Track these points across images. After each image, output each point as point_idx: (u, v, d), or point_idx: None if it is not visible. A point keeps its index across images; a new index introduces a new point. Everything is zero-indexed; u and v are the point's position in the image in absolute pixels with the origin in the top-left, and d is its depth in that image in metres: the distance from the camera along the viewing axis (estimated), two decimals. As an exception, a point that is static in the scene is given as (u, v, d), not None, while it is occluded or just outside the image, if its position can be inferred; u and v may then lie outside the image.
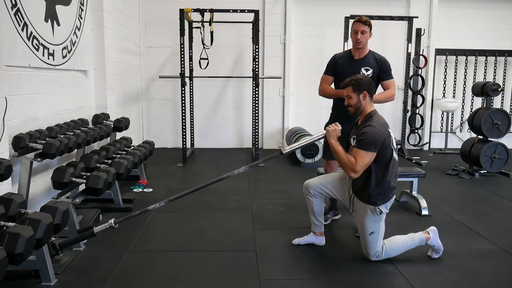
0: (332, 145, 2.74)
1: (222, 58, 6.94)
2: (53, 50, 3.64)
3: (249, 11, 5.75)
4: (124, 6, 5.84)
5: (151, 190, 4.51)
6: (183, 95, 5.80)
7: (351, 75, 3.00)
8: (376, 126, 2.64)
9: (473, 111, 5.89)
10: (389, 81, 3.33)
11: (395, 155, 2.73)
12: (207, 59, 5.97)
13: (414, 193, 3.93)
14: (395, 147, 2.76)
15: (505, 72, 7.24)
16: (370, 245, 2.75)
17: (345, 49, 6.46)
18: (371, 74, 3.23)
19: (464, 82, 7.26)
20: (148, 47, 6.95)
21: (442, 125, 7.38)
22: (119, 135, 4.77)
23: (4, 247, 1.95)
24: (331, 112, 3.53)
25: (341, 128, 2.81)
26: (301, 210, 3.37)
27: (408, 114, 7.09)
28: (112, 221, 2.58)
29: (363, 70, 3.23)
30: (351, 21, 6.37)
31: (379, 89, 3.34)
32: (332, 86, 3.42)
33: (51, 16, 3.59)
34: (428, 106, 7.31)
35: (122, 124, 4.58)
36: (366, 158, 2.59)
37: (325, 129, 2.95)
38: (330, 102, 3.62)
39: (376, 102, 3.05)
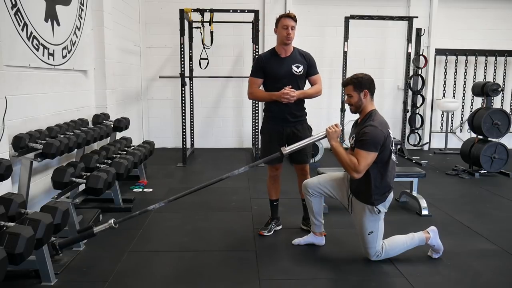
0: (334, 146, 2.73)
1: (222, 58, 6.94)
2: (53, 50, 3.64)
3: (249, 11, 5.75)
4: (124, 6, 5.84)
5: (151, 190, 4.51)
6: (183, 95, 5.80)
7: (283, 74, 2.98)
8: (378, 126, 2.62)
9: (473, 111, 5.89)
10: (316, 76, 3.24)
11: (393, 157, 2.73)
12: (207, 59, 5.97)
13: (414, 193, 3.93)
14: (394, 148, 2.75)
15: (505, 72, 7.24)
16: (370, 245, 2.75)
17: (345, 49, 6.49)
18: (302, 71, 3.15)
19: (464, 82, 7.26)
20: (148, 47, 6.95)
21: (442, 125, 7.38)
22: (119, 135, 4.77)
23: (4, 247, 1.95)
24: (264, 114, 3.33)
25: (341, 129, 2.80)
26: (301, 210, 3.37)
27: (408, 114, 7.09)
28: (112, 221, 2.57)
29: (294, 68, 3.11)
30: (351, 21, 6.45)
31: (307, 85, 3.25)
32: (262, 88, 3.26)
33: (51, 16, 3.59)
34: (428, 106, 7.31)
35: (122, 124, 4.58)
36: (368, 158, 2.59)
37: (325, 130, 2.93)
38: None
39: (306, 98, 3.10)
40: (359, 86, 2.72)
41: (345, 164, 2.65)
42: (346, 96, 2.81)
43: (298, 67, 3.13)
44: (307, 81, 3.25)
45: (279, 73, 3.08)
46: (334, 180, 2.96)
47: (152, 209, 2.73)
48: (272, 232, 3.29)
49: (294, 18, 3.10)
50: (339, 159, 2.69)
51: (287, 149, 2.83)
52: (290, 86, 3.03)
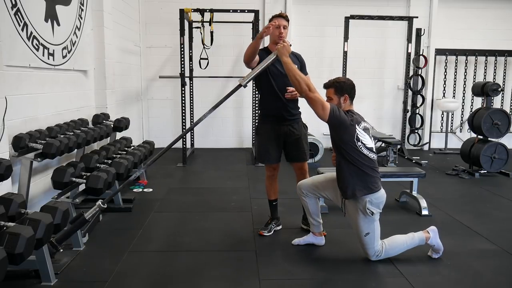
0: (286, 63, 2.73)
1: (222, 58, 6.94)
2: (53, 50, 3.64)
3: (249, 11, 5.75)
4: (124, 6, 5.84)
5: (151, 190, 4.51)
6: (183, 95, 5.80)
7: (278, 72, 2.97)
8: (351, 115, 2.67)
9: (473, 111, 5.89)
10: (307, 76, 3.17)
11: (364, 151, 2.67)
12: (207, 59, 5.97)
13: (414, 193, 3.93)
14: (366, 144, 2.68)
15: (505, 72, 7.24)
16: (368, 246, 2.75)
17: (345, 49, 6.48)
18: None
19: (464, 82, 7.26)
20: (148, 47, 6.95)
21: (442, 125, 7.38)
22: (119, 135, 4.77)
23: (4, 247, 1.95)
24: (260, 112, 3.33)
25: (290, 44, 2.78)
26: (301, 210, 3.37)
27: (408, 114, 7.09)
28: (99, 202, 2.53)
29: None
30: (351, 21, 6.44)
31: None
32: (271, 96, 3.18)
33: (51, 16, 3.59)
34: (428, 106, 7.31)
35: (122, 124, 4.58)
36: (323, 100, 2.62)
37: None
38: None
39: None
40: (340, 90, 2.74)
41: (298, 77, 2.66)
42: (326, 98, 2.79)
43: None
44: None
45: (275, 71, 3.08)
46: (328, 181, 2.95)
47: (133, 177, 2.65)
48: (272, 232, 3.29)
49: (286, 18, 3.11)
50: (292, 74, 2.70)
51: (245, 80, 2.79)
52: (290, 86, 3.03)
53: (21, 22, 3.12)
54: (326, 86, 2.81)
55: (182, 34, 5.61)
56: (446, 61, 7.19)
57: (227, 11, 5.72)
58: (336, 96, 2.74)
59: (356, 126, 2.66)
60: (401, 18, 6.66)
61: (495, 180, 5.15)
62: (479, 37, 7.22)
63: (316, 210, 3.01)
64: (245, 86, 2.82)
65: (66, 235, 2.60)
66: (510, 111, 7.27)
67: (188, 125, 6.60)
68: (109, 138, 4.47)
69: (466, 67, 7.20)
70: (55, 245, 2.49)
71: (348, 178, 2.68)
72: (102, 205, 2.52)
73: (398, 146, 5.93)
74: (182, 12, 5.57)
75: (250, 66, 3.09)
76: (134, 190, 4.49)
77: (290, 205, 3.88)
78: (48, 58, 3.56)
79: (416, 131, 7.33)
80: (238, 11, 5.73)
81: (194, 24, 6.08)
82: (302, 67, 3.22)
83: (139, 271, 2.67)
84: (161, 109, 7.15)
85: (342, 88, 2.73)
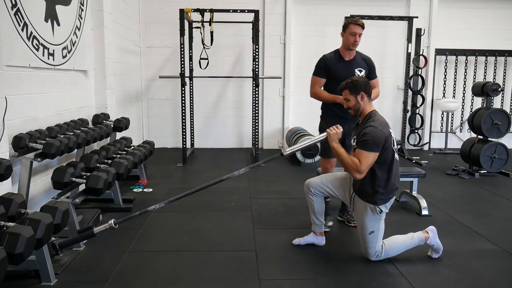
0: (334, 148, 2.75)
1: (222, 58, 6.94)
2: (53, 50, 3.64)
3: (249, 11, 5.75)
4: (124, 6, 5.84)
5: (151, 190, 4.51)
6: (183, 95, 5.80)
7: (346, 77, 3.02)
8: (378, 126, 2.64)
9: (473, 111, 5.88)
10: (376, 80, 3.39)
11: (396, 156, 2.74)
12: (207, 59, 5.97)
13: (414, 193, 3.93)
14: (396, 147, 2.75)
15: (505, 72, 7.24)
16: (370, 245, 2.75)
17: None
18: (364, 75, 3.27)
19: (464, 82, 7.26)
20: (148, 47, 6.95)
21: (442, 125, 7.38)
22: (119, 135, 4.77)
23: (4, 247, 1.95)
24: (322, 112, 3.46)
25: (342, 130, 2.82)
26: (301, 210, 3.38)
27: (408, 114, 7.09)
28: (112, 221, 2.58)
29: (356, 71, 3.25)
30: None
31: None
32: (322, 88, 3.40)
33: (51, 16, 3.59)
34: (428, 106, 7.31)
35: (122, 124, 4.58)
36: (369, 158, 2.60)
37: (325, 131, 2.95)
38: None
39: None
40: (354, 89, 2.75)
41: (347, 165, 2.66)
42: (344, 101, 2.84)
43: (360, 71, 3.27)
44: None
45: (342, 75, 3.16)
46: (337, 180, 2.97)
47: (152, 209, 2.74)
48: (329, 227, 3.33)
49: (362, 26, 3.21)
50: (340, 160, 2.71)
51: (287, 151, 2.88)
52: None
53: (21, 22, 3.12)
54: (341, 89, 2.84)
55: (182, 34, 5.61)
56: (446, 61, 7.19)
57: (227, 11, 5.72)
58: (353, 96, 2.76)
59: (390, 132, 2.70)
60: (401, 18, 6.66)
61: (495, 180, 5.15)
62: (479, 37, 7.22)
63: (321, 209, 3.02)
64: (286, 156, 2.93)
65: (70, 243, 2.62)
66: (510, 111, 7.27)
67: (188, 125, 6.61)
68: (109, 138, 4.47)
69: (466, 67, 7.20)
70: (57, 249, 2.50)
71: (377, 189, 2.68)
72: (114, 226, 2.57)
73: (398, 146, 5.94)
74: (182, 12, 5.57)
75: None
76: (134, 190, 4.49)
77: (290, 205, 3.88)
78: (48, 58, 3.56)
79: (416, 131, 7.33)
80: (238, 11, 5.73)
81: (194, 24, 6.08)
82: (371, 71, 3.34)
83: (139, 271, 2.67)
84: (161, 109, 7.16)
85: (355, 86, 2.75)
